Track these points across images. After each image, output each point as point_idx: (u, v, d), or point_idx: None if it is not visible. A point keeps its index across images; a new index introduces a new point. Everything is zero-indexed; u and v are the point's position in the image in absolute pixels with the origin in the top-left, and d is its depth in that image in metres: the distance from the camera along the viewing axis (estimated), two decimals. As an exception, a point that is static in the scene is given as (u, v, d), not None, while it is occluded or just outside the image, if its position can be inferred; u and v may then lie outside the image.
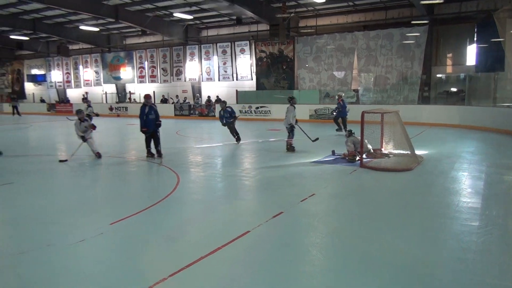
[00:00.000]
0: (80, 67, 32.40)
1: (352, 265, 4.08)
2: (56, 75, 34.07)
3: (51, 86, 34.71)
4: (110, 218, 5.35)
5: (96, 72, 31.49)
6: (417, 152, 9.33)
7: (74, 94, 33.53)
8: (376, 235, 4.77)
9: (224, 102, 12.74)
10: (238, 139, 12.69)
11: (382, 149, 9.56)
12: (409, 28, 19.36)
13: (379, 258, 4.21)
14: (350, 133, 9.40)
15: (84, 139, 9.93)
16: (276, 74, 23.75)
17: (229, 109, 12.36)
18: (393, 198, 6.37)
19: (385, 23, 20.31)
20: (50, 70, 34.41)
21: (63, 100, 33.25)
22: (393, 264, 4.10)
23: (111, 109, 28.81)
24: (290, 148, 10.60)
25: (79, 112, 10.01)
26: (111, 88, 31.28)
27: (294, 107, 10.52)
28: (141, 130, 9.56)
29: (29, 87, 36.56)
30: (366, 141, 8.89)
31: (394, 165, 8.35)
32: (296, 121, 10.54)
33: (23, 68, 36.37)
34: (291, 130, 10.53)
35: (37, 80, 35.47)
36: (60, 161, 9.22)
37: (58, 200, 6.46)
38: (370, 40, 20.40)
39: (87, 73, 32.07)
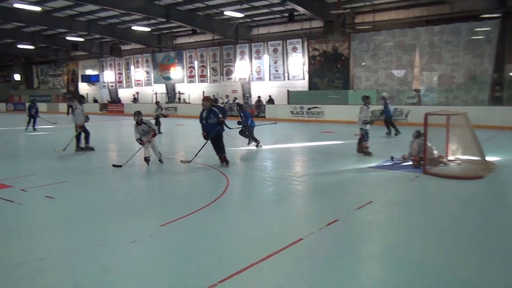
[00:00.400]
0: (132, 67, 33.81)
1: (415, 281, 3.89)
2: (109, 75, 35.78)
3: (104, 86, 36.51)
4: (160, 219, 5.48)
5: (147, 72, 32.70)
6: (488, 158, 8.79)
7: (125, 94, 35.05)
8: (442, 249, 4.53)
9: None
10: (257, 144, 12.19)
11: (448, 155, 9.06)
12: (479, 22, 18.38)
13: (445, 274, 3.99)
14: (418, 134, 8.78)
15: (141, 143, 9.25)
16: (330, 73, 23.43)
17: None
18: (462, 208, 6.05)
19: (451, 17, 19.39)
20: (103, 71, 36.19)
21: (115, 100, 34.87)
22: (462, 281, 3.87)
23: (160, 108, 29.78)
24: (367, 152, 10.18)
25: (136, 114, 9.34)
26: (161, 88, 32.33)
27: (368, 107, 10.08)
28: (202, 135, 9.44)
29: (83, 87, 38.65)
30: (430, 145, 8.47)
31: (462, 172, 7.92)
32: (370, 122, 10.13)
33: (77, 68, 38.53)
34: (366, 132, 10.08)
35: (91, 80, 37.42)
36: (114, 166, 9.00)
37: (110, 199, 6.73)
38: (434, 36, 19.58)
39: (138, 73, 33.38)
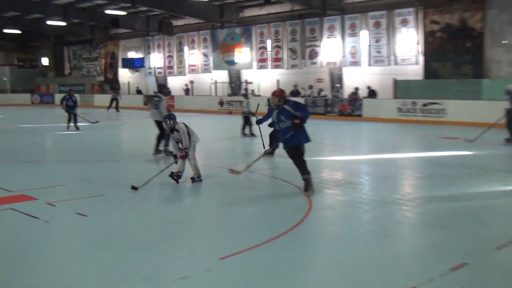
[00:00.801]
0: (185, 48, 35.11)
1: None
2: (156, 59, 37.48)
3: (150, 73, 38.27)
4: (220, 250, 5.61)
5: (205, 55, 33.76)
6: None
7: (176, 83, 36.39)
8: None
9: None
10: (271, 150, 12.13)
11: None
12: None
13: None
14: None
15: (175, 157, 9.29)
16: (455, 56, 22.59)
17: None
18: None
19: None
20: (149, 53, 37.96)
21: (163, 91, 36.17)
22: None
23: (221, 103, 30.61)
24: None
25: (169, 118, 9.27)
26: (222, 76, 33.20)
27: None
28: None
29: (124, 74, 40.79)
30: None
31: None
32: None
33: (118, 50, 40.71)
34: None
35: (134, 65, 39.36)
36: (133, 188, 8.65)
37: (156, 221, 6.98)
38: None
39: (194, 56, 34.59)
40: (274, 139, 12.24)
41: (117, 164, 12.06)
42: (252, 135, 16.92)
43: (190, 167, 9.32)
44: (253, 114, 16.05)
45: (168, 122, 9.22)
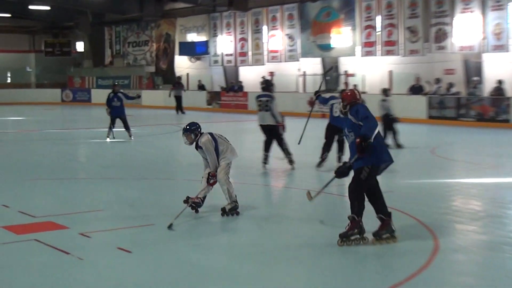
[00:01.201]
0: (264, 28, 35.38)
1: None
2: (224, 44, 37.91)
3: (215, 61, 38.81)
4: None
5: (290, 37, 33.87)
6: None
7: (250, 75, 36.72)
8: None
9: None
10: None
11: None
12: None
13: None
14: None
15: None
16: None
17: None
18: None
19: None
20: (215, 35, 38.54)
21: (233, 86, 36.75)
22: None
23: (311, 103, 30.48)
24: None
25: (185, 130, 9.24)
26: (313, 66, 33.22)
27: None
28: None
29: (182, 63, 41.59)
30: None
31: None
32: None
33: (174, 32, 41.53)
34: None
35: (195, 51, 40.08)
36: (169, 227, 8.48)
37: (220, 259, 7.07)
38: None
39: (275, 39, 34.78)
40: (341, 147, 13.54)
41: (172, 183, 12.30)
42: (399, 146, 16.96)
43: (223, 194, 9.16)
44: (396, 120, 16.74)
45: (187, 136, 9.19)
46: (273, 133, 13.54)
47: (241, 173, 12.65)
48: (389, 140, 16.68)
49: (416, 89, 26.76)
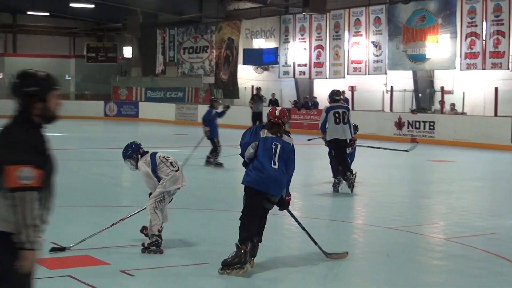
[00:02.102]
0: (345, 34, 35.38)
1: None
2: (298, 52, 38.09)
3: (286, 73, 38.94)
4: None
5: (375, 45, 33.74)
6: None
7: (326, 90, 36.65)
8: None
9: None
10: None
11: None
12: None
13: None
14: None
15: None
16: None
17: None
18: None
19: None
20: (286, 41, 38.76)
21: (306, 101, 36.78)
22: None
23: (400, 124, 30.33)
24: None
25: (123, 155, 9.90)
26: (402, 80, 33.08)
27: None
28: None
29: (246, 74, 41.91)
30: None
31: None
32: None
33: (238, 36, 41.79)
34: None
35: (263, 61, 40.30)
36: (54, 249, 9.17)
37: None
38: None
39: (358, 47, 34.80)
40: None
41: (228, 216, 12.39)
42: None
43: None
44: None
45: (127, 163, 9.88)
46: (341, 149, 14.85)
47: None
48: None
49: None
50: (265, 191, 8.53)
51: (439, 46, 30.74)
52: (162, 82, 45.67)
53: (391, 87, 32.78)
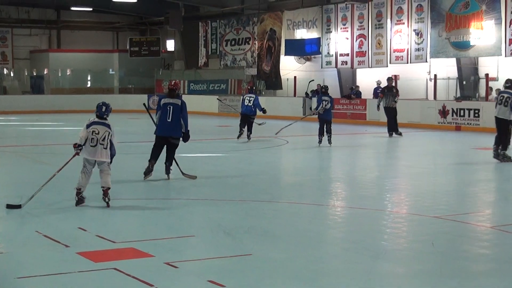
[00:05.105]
0: (388, 22, 35.23)
1: None
2: (340, 41, 38.03)
3: (328, 63, 38.84)
4: None
5: (418, 34, 33.45)
6: None
7: (368, 79, 36.48)
8: None
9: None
10: None
11: None
12: None
13: None
14: None
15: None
16: None
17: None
18: None
19: None
20: (328, 31, 38.67)
21: (351, 92, 36.66)
22: None
23: (444, 113, 30.06)
24: None
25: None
26: (445, 68, 32.88)
27: None
28: None
29: (288, 64, 41.93)
30: None
31: None
32: None
33: (280, 27, 41.76)
34: None
35: (305, 51, 40.29)
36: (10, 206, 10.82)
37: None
38: None
39: (400, 35, 34.59)
40: None
41: (273, 207, 12.39)
42: None
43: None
44: None
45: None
46: (505, 128, 18.03)
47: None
48: None
49: None
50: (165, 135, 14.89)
51: (484, 32, 30.34)
52: (205, 74, 45.88)
53: (435, 75, 32.43)
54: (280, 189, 15.10)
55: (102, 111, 11.98)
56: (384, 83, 28.86)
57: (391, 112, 26.47)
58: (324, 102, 22.01)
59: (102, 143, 11.63)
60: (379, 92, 28.34)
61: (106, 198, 11.59)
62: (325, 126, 22.20)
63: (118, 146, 12.43)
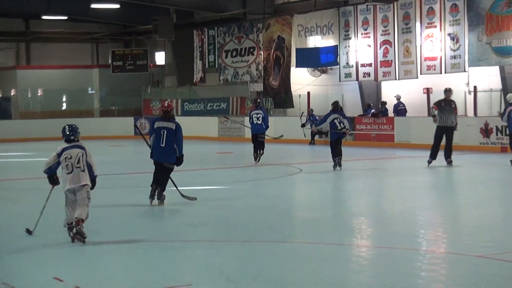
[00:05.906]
0: (417, 26, 35.25)
1: None
2: (361, 50, 38.12)
3: (348, 75, 38.84)
4: None
5: (453, 39, 33.39)
6: None
7: (394, 93, 36.40)
8: None
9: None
10: None
11: None
12: None
13: None
14: None
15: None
16: None
17: None
18: None
19: None
20: (347, 37, 38.73)
21: (368, 108, 36.80)
22: None
23: (485, 132, 29.99)
24: None
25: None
26: (487, 77, 32.98)
27: None
28: None
29: (300, 78, 41.98)
30: None
31: None
32: None
33: (290, 34, 41.76)
34: None
35: (320, 62, 40.31)
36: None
37: None
38: None
39: (432, 41, 34.62)
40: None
41: (287, 247, 12.39)
42: None
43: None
44: None
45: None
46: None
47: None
48: None
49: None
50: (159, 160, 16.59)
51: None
52: (201, 92, 45.82)
53: (474, 87, 32.44)
54: (293, 226, 15.06)
55: (67, 134, 12.29)
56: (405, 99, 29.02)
57: (449, 133, 24.99)
58: (336, 121, 22.80)
59: (78, 166, 12.00)
60: (432, 106, 26.33)
61: (74, 230, 11.92)
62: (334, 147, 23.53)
63: (100, 179, 12.46)
